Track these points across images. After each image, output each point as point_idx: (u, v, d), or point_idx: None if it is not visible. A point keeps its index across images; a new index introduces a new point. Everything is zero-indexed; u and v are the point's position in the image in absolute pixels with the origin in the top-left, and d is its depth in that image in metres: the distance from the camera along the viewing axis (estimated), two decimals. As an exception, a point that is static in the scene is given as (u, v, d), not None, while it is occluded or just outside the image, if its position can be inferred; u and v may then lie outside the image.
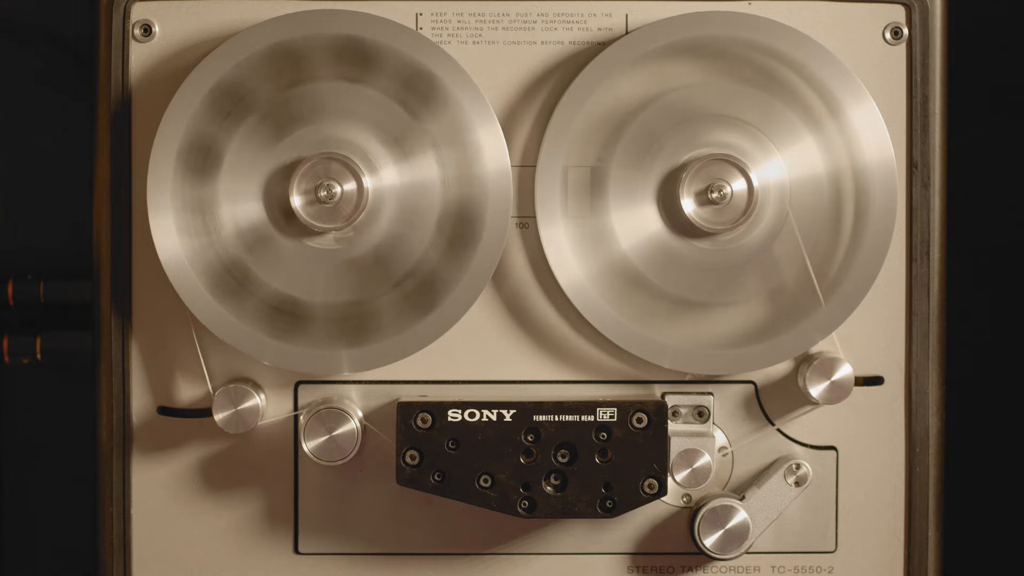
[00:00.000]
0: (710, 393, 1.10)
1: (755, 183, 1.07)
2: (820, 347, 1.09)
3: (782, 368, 1.10)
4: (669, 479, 1.08)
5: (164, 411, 1.09)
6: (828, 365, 1.08)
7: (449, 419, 1.06)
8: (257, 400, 1.08)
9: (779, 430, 1.11)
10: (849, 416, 1.11)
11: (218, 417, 1.07)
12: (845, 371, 1.08)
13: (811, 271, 1.07)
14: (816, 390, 1.08)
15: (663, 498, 1.07)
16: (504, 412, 1.06)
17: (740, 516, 1.08)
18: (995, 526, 1.32)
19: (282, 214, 1.07)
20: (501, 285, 1.10)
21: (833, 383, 1.08)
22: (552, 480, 1.06)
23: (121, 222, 1.09)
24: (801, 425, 1.11)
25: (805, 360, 1.09)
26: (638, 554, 1.11)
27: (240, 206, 1.07)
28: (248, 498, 1.10)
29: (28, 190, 1.29)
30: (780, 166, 1.08)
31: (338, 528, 1.11)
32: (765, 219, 1.08)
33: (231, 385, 1.08)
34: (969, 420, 1.28)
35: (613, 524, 1.11)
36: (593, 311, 1.08)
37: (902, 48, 1.10)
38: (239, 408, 1.07)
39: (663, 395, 1.10)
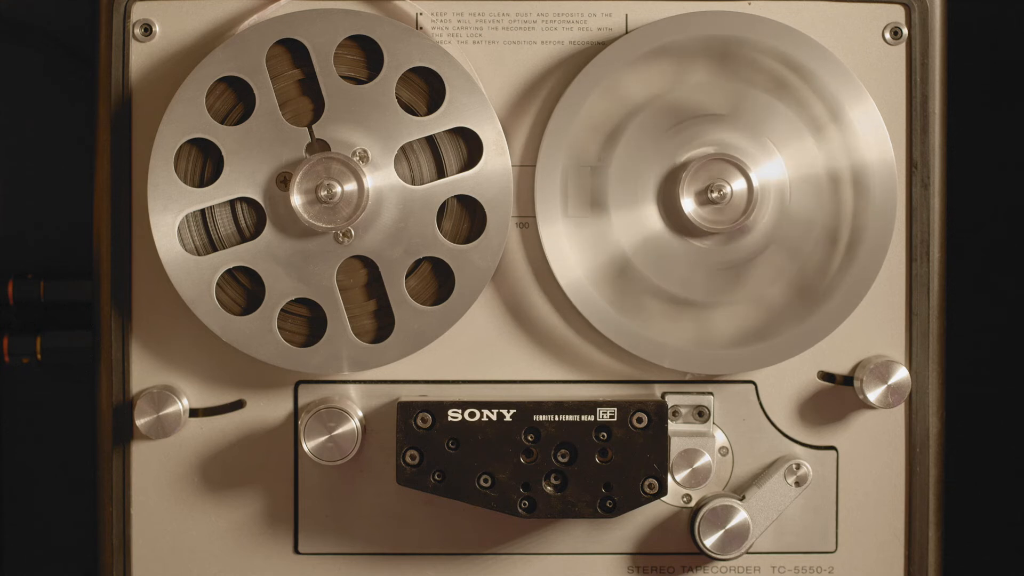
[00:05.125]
0: (710, 393, 1.10)
1: (755, 183, 1.07)
2: (877, 350, 1.10)
3: (782, 368, 1.10)
4: (669, 479, 1.08)
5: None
6: (884, 369, 1.08)
7: (449, 419, 1.06)
8: (179, 406, 1.08)
9: (779, 430, 1.11)
10: (849, 416, 1.11)
11: (140, 422, 1.07)
12: (901, 375, 1.08)
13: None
14: (873, 394, 1.08)
15: (663, 498, 1.07)
16: (504, 412, 1.06)
17: (740, 516, 1.08)
18: (995, 526, 1.32)
19: (283, 213, 1.07)
20: (501, 285, 1.10)
21: (890, 387, 1.08)
22: (552, 480, 1.06)
23: (121, 222, 1.09)
24: (801, 425, 1.11)
25: (861, 364, 1.09)
26: (638, 554, 1.11)
27: (240, 205, 1.07)
28: (248, 498, 1.10)
29: (28, 190, 1.29)
30: (780, 166, 1.08)
31: (338, 528, 1.11)
32: (765, 219, 1.08)
33: (154, 390, 1.08)
34: (969, 420, 1.28)
35: (613, 524, 1.11)
36: (593, 311, 1.08)
37: (902, 48, 1.10)
38: (160, 414, 1.08)
39: (663, 395, 1.10)
